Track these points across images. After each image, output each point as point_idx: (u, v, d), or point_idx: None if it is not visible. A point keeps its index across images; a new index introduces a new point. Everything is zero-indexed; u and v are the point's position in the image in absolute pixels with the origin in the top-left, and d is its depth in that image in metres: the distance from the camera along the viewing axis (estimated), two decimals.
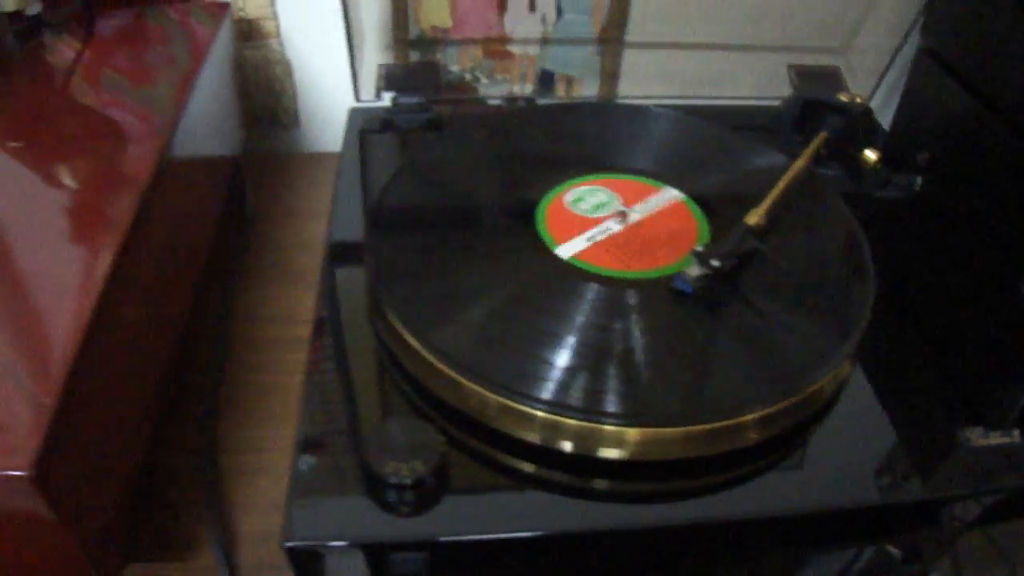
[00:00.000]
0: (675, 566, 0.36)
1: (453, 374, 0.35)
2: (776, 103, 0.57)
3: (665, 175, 0.47)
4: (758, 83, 0.63)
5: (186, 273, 0.44)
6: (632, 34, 0.62)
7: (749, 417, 0.34)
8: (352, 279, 0.43)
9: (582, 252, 0.41)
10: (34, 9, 0.46)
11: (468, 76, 0.61)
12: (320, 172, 0.62)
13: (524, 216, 0.43)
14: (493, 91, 0.61)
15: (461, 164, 0.47)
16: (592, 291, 0.39)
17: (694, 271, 0.39)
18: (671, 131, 0.51)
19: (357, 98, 0.55)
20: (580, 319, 0.38)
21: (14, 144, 0.40)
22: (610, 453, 0.34)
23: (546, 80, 0.63)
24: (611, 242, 0.41)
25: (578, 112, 0.53)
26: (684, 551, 0.35)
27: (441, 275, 0.40)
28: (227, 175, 0.55)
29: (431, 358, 0.35)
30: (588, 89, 0.63)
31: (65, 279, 0.33)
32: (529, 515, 0.33)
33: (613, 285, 0.39)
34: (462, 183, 0.46)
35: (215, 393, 0.45)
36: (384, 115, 0.55)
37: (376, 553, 0.33)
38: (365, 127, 0.54)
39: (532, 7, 0.59)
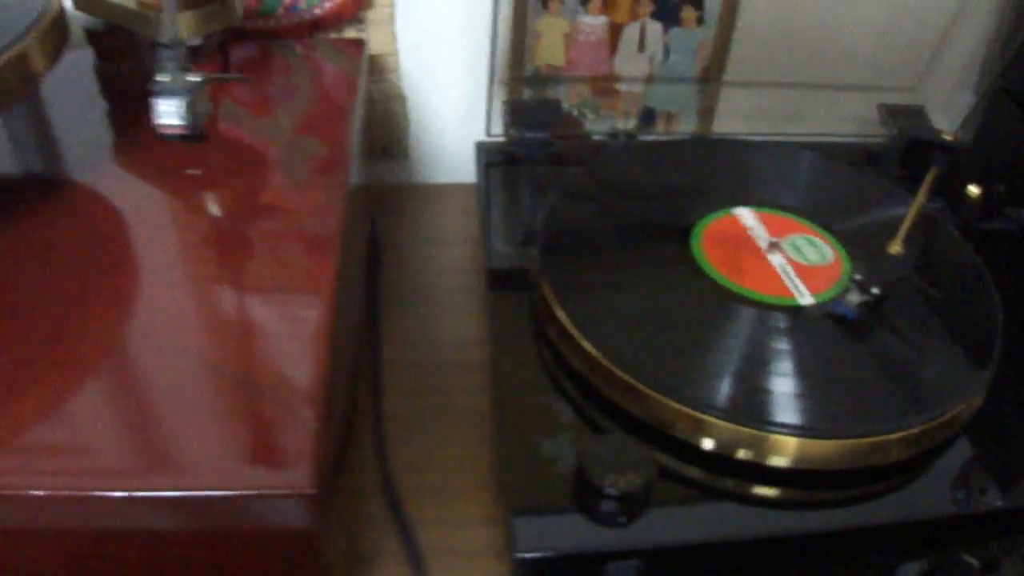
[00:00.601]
0: (809, 568, 0.39)
1: (649, 391, 0.38)
2: (857, 139, 0.61)
3: (802, 208, 0.50)
4: (832, 119, 0.67)
5: (354, 299, 0.47)
6: (729, 74, 0.66)
7: (896, 436, 0.37)
8: (514, 302, 0.45)
9: (744, 277, 0.44)
10: (196, 41, 0.49)
11: (575, 112, 0.64)
12: (434, 201, 0.65)
13: (680, 241, 0.46)
14: (598, 126, 0.65)
15: (616, 191, 0.51)
16: (765, 316, 0.42)
17: (855, 298, 0.43)
18: (801, 167, 0.54)
19: (487, 133, 0.58)
20: (754, 340, 0.41)
21: (194, 172, 0.42)
22: (779, 461, 0.37)
23: (648, 116, 0.66)
24: (765, 268, 0.45)
25: (718, 148, 0.56)
26: (824, 555, 0.38)
27: (621, 296, 0.43)
28: (368, 205, 0.58)
29: (627, 377, 0.38)
30: (686, 125, 0.67)
31: (304, 306, 0.35)
32: (720, 521, 0.36)
33: (780, 310, 0.42)
34: (622, 209, 0.49)
35: (380, 415, 0.47)
36: (508, 149, 0.58)
37: (597, 561, 0.35)
38: (489, 159, 0.58)
39: (642, 48, 0.63)
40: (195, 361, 0.33)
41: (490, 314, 0.45)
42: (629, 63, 0.64)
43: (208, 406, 0.31)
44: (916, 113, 0.65)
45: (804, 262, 0.46)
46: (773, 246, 0.47)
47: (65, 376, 0.31)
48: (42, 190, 0.41)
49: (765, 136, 0.61)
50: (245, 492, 0.28)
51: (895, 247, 0.46)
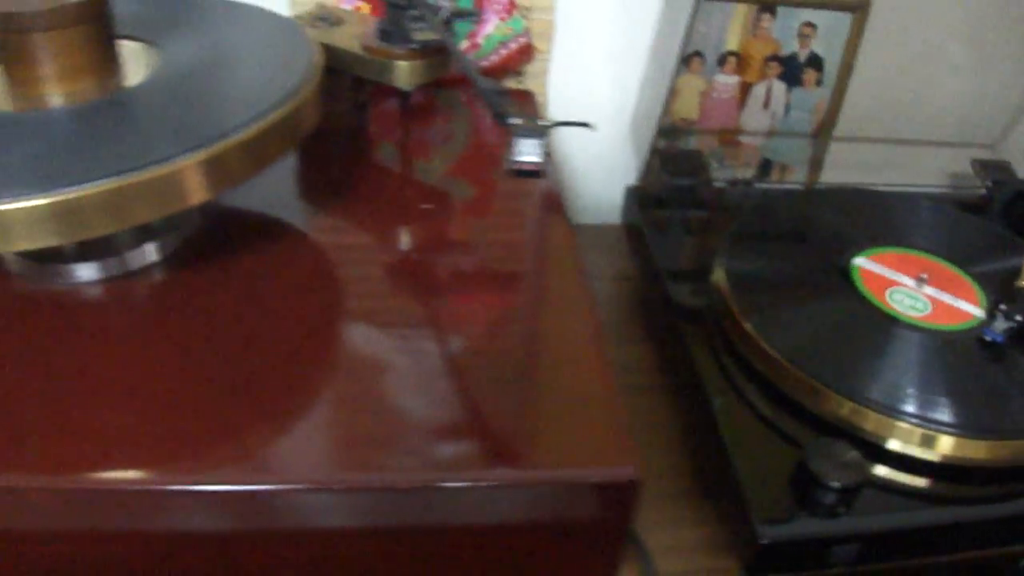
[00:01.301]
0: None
1: (859, 405, 0.45)
2: (948, 190, 0.70)
3: (937, 249, 0.58)
4: (922, 172, 0.75)
5: None
6: (838, 130, 0.74)
7: None
8: (693, 327, 0.53)
9: (898, 305, 0.52)
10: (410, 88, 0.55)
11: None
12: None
13: (841, 274, 0.54)
14: (720, 174, 0.72)
15: (781, 230, 0.58)
16: (927, 337, 0.50)
17: (1001, 324, 0.50)
18: (930, 214, 0.62)
19: (641, 179, 0.66)
20: (922, 358, 0.48)
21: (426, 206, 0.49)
22: (944, 458, 0.45)
23: (765, 166, 0.74)
24: (915, 298, 0.53)
25: (859, 196, 0.64)
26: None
27: (812, 321, 0.50)
28: None
29: (837, 395, 0.46)
30: (797, 175, 0.75)
31: (570, 317, 0.42)
32: (916, 509, 0.44)
33: (938, 334, 0.50)
34: (788, 246, 0.57)
35: None
36: (659, 194, 0.65)
37: (824, 546, 0.42)
38: (642, 202, 0.65)
39: (767, 105, 0.71)
40: (495, 362, 0.39)
41: (684, 339, 0.52)
42: (754, 118, 0.71)
43: (518, 400, 0.37)
44: (1004, 167, 0.73)
45: (947, 295, 0.54)
46: (920, 280, 0.54)
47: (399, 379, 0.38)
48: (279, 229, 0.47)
49: (869, 186, 0.69)
50: (579, 477, 0.34)
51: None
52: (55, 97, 0.42)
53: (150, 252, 0.43)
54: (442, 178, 0.51)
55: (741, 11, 0.67)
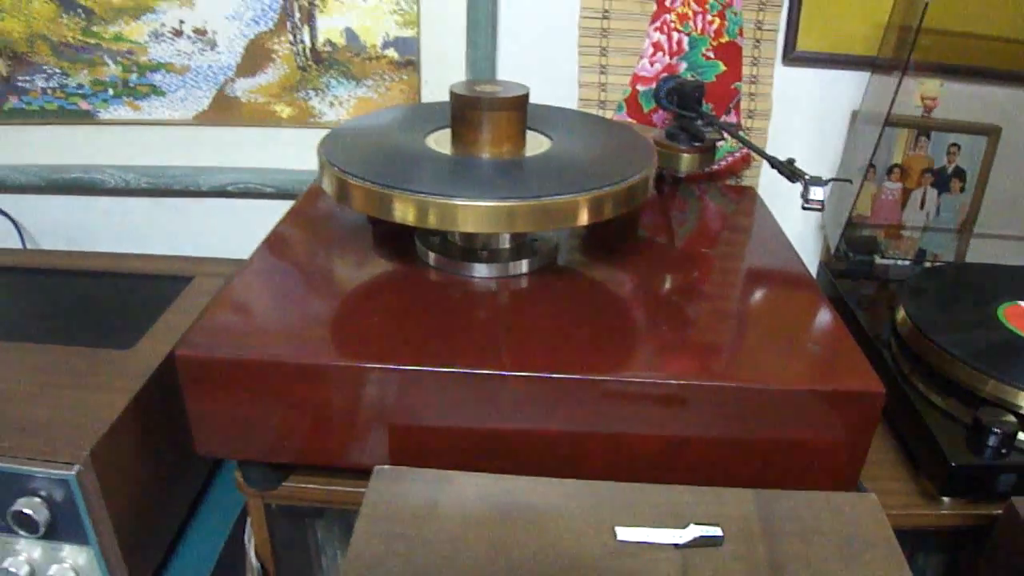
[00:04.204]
0: None
1: (1006, 385, 0.69)
2: None
3: None
4: None
5: None
6: (977, 227, 1.00)
7: None
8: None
9: None
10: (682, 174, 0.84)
11: None
12: None
13: (988, 314, 0.78)
14: (883, 261, 0.98)
15: (941, 290, 0.84)
16: None
17: None
18: None
19: (835, 255, 0.92)
20: None
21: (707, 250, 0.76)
22: None
23: (920, 254, 1.00)
24: None
25: (1003, 269, 0.89)
26: None
27: (974, 339, 0.75)
28: None
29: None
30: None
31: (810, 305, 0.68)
32: None
33: None
34: (952, 294, 0.82)
35: None
36: (846, 268, 0.92)
37: (996, 473, 0.66)
38: (834, 274, 0.91)
39: (922, 206, 0.98)
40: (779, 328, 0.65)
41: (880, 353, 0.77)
42: (912, 216, 0.98)
43: (796, 346, 0.63)
44: None
45: None
46: None
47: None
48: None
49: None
50: (844, 387, 0.58)
51: None
52: (485, 153, 0.70)
53: (522, 266, 0.71)
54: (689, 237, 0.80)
55: (904, 134, 0.94)
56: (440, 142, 0.71)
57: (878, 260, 0.91)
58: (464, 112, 0.68)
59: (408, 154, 0.69)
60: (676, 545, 0.52)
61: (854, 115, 0.94)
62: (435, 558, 0.51)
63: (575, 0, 0.89)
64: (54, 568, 0.67)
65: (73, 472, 0.61)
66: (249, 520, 0.72)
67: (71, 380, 0.69)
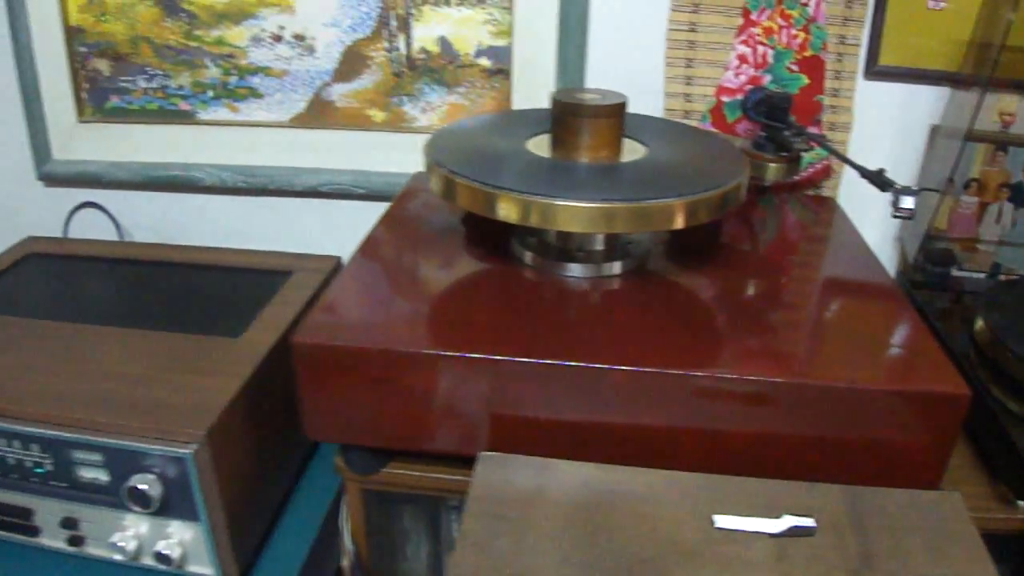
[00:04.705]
0: None
1: None
2: None
3: None
4: None
5: None
6: None
7: None
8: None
9: None
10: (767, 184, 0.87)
11: None
12: None
13: None
14: (959, 273, 1.00)
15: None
16: None
17: None
18: None
19: (910, 264, 0.95)
20: None
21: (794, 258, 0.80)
22: None
23: (995, 268, 1.02)
24: None
25: None
26: None
27: None
28: None
29: None
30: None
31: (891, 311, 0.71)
32: None
33: None
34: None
35: None
36: (923, 279, 0.94)
37: None
38: (913, 285, 0.94)
39: (998, 220, 1.00)
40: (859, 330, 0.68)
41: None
42: (988, 230, 1.00)
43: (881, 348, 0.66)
44: None
45: None
46: None
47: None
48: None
49: None
50: (932, 389, 0.61)
51: None
52: (584, 157, 0.74)
53: (615, 267, 0.74)
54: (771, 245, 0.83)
55: (981, 149, 0.97)
56: (539, 146, 0.76)
57: (954, 272, 0.94)
58: (565, 118, 0.72)
59: (510, 156, 0.74)
60: (771, 534, 0.55)
61: (933, 129, 0.97)
62: (542, 539, 0.54)
63: (663, 13, 0.92)
64: (161, 544, 0.72)
65: (190, 451, 0.66)
66: (344, 504, 0.76)
67: (184, 365, 0.74)
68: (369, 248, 0.78)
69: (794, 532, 0.55)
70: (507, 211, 0.67)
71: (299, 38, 0.99)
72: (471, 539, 0.54)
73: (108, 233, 1.14)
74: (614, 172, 0.71)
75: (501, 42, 0.95)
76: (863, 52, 0.93)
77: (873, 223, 1.01)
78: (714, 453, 0.63)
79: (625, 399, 0.62)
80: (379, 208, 0.91)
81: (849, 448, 0.62)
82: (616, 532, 0.55)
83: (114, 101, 1.07)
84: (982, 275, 0.99)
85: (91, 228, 1.15)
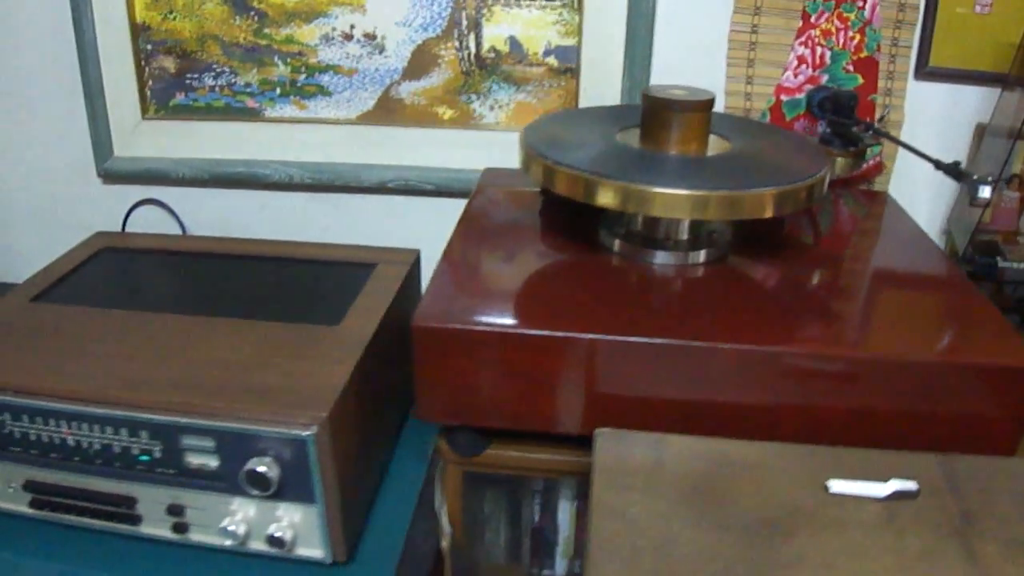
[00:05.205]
0: None
1: None
2: None
3: None
4: None
5: None
6: None
7: None
8: None
9: None
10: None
11: None
12: None
13: None
14: (1005, 264, 1.07)
15: None
16: None
17: None
18: None
19: (960, 256, 1.02)
20: None
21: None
22: None
23: None
24: None
25: None
26: None
27: None
28: None
29: None
30: None
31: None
32: None
33: None
34: None
35: None
36: (971, 269, 1.01)
37: None
38: None
39: None
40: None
41: None
42: None
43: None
44: None
45: None
46: None
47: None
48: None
49: None
50: (1000, 364, 0.66)
51: None
52: (674, 150, 0.79)
53: (699, 256, 0.80)
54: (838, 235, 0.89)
55: (1022, 146, 1.04)
56: (629, 139, 0.81)
57: (1000, 263, 1.01)
58: (658, 112, 0.78)
59: (604, 148, 0.79)
60: (878, 498, 0.61)
61: (978, 127, 1.03)
62: (671, 505, 0.59)
63: (726, 15, 0.98)
64: (273, 527, 0.72)
65: (311, 433, 0.69)
66: (439, 486, 0.81)
67: (291, 351, 0.78)
68: (459, 241, 0.83)
69: (899, 495, 0.61)
70: (606, 197, 0.72)
71: (370, 37, 1.04)
72: (605, 508, 0.59)
73: (166, 230, 1.18)
74: (704, 164, 0.77)
75: (569, 42, 1.01)
76: (914, 54, 1.00)
77: (921, 217, 1.07)
78: (811, 426, 0.69)
79: (731, 376, 0.67)
80: (442, 203, 0.97)
81: (935, 419, 0.68)
82: (738, 497, 0.60)
83: (179, 98, 1.11)
84: (1019, 265, 1.06)
85: (148, 225, 1.19)
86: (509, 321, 0.69)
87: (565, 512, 0.88)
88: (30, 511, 0.76)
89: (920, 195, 1.04)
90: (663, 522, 0.57)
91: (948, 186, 1.04)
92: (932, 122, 1.02)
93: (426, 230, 1.08)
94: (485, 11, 0.99)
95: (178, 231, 1.18)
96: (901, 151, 1.02)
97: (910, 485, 0.61)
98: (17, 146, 1.20)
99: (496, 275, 0.77)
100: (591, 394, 0.69)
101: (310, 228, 1.15)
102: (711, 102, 0.78)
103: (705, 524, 0.58)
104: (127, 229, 1.17)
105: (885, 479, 0.61)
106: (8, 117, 1.18)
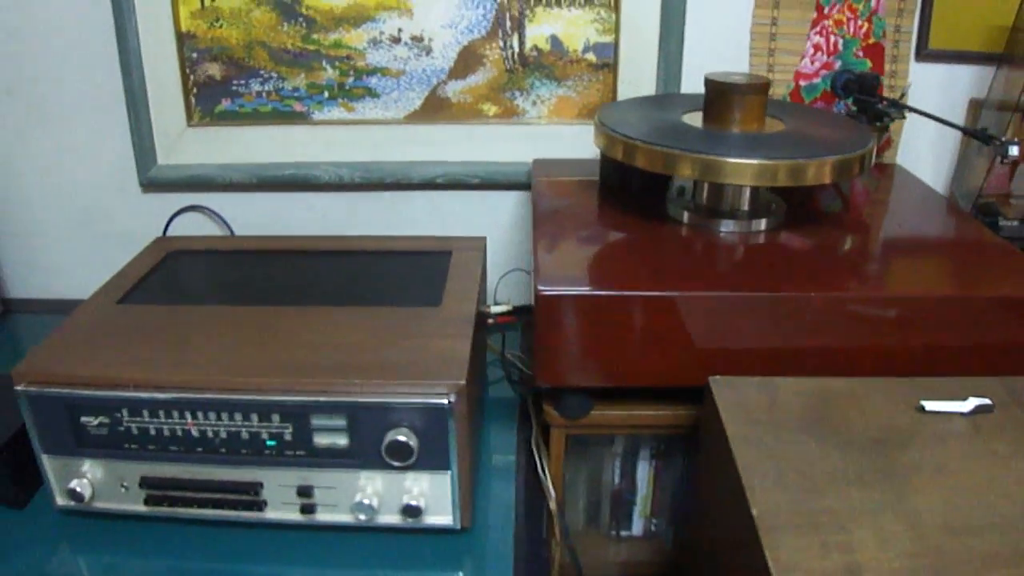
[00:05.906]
0: None
1: None
2: None
3: None
4: None
5: None
6: None
7: None
8: None
9: None
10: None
11: None
12: None
13: None
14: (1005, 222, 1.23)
15: None
16: None
17: None
18: None
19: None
20: None
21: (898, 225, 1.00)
22: None
23: None
24: None
25: None
26: None
27: None
28: None
29: None
30: None
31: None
32: None
33: None
34: None
35: None
36: None
37: None
38: None
39: None
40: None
41: None
42: (1020, 186, 1.23)
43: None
44: None
45: None
46: None
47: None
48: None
49: None
50: None
51: None
52: (734, 128, 0.91)
53: (760, 224, 0.92)
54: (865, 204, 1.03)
55: (1016, 117, 1.20)
56: (694, 120, 0.93)
57: (1001, 222, 1.16)
58: (722, 95, 0.90)
59: (674, 127, 0.90)
60: (962, 414, 0.74)
61: (971, 103, 1.19)
62: (795, 432, 0.70)
63: (748, 10, 1.11)
64: (405, 497, 0.75)
65: (449, 400, 0.72)
66: (542, 451, 0.91)
67: (405, 331, 0.83)
68: (543, 222, 0.94)
69: (979, 410, 0.74)
70: (685, 168, 0.84)
71: (417, 39, 1.13)
72: (742, 440, 0.70)
73: (210, 234, 1.25)
74: (765, 139, 0.89)
75: (607, 39, 1.12)
76: (914, 38, 1.15)
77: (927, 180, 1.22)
78: (885, 362, 0.81)
79: (821, 322, 0.79)
80: (484, 196, 1.12)
81: (991, 348, 0.81)
82: (848, 422, 0.71)
83: (225, 105, 1.19)
84: (1015, 223, 1.21)
85: (190, 232, 1.25)
86: (625, 284, 0.79)
87: (644, 471, 0.99)
88: (144, 509, 0.78)
89: (924, 165, 1.19)
90: (794, 446, 0.69)
91: (947, 158, 1.19)
92: (931, 99, 1.16)
93: (464, 222, 1.21)
94: (528, 12, 1.10)
95: (220, 235, 1.24)
96: (905, 126, 1.16)
97: (987, 401, 0.74)
98: (54, 158, 1.23)
99: (588, 248, 0.87)
100: (697, 347, 0.80)
101: (355, 226, 1.24)
102: (768, 85, 0.90)
103: (828, 445, 0.69)
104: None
105: (963, 399, 0.73)
106: (45, 129, 1.21)
